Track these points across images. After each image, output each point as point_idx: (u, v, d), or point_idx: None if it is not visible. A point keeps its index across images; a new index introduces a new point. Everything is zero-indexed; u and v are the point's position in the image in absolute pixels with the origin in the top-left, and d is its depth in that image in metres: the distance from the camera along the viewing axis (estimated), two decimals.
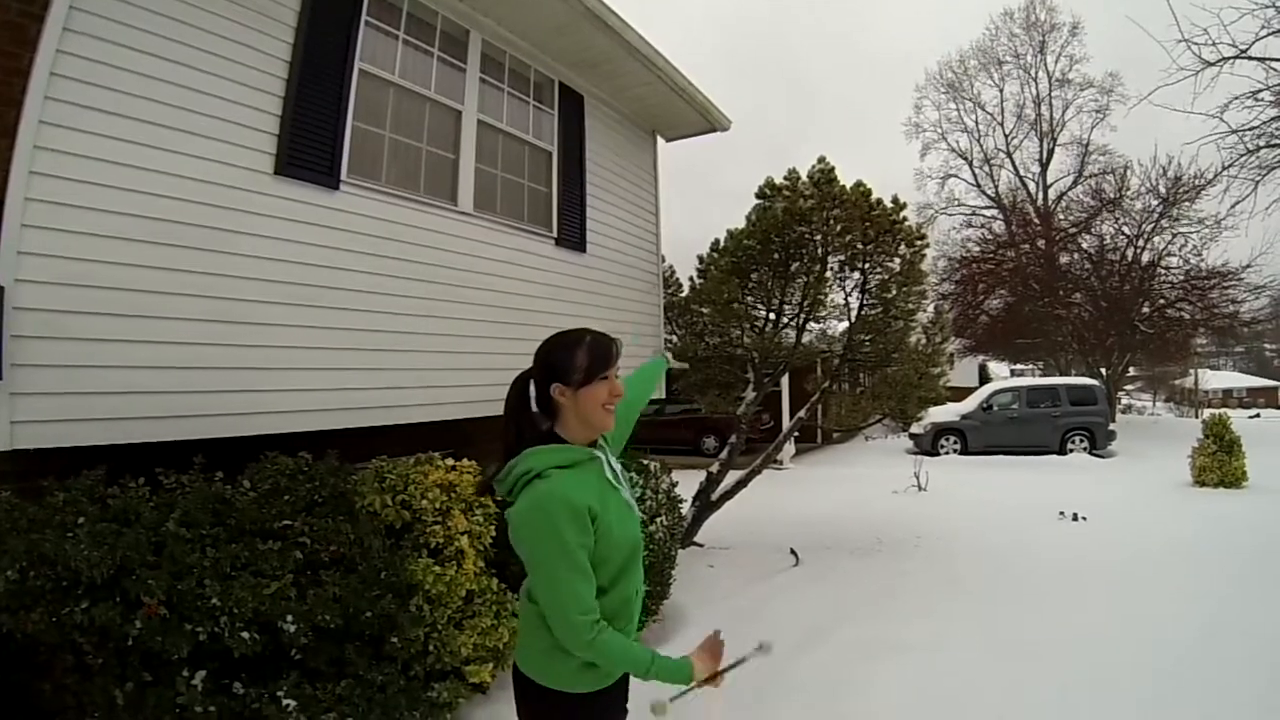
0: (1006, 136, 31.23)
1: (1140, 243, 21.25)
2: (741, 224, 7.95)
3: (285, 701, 2.84)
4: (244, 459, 3.50)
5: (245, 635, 2.78)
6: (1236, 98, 11.31)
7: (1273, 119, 11.44)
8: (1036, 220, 26.42)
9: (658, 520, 5.20)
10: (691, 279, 8.62)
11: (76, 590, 2.65)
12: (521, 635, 2.00)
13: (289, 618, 2.87)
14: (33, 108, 3.05)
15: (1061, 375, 23.42)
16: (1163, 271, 21.20)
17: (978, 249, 25.67)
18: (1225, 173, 12.53)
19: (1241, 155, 11.93)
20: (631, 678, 1.98)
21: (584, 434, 1.92)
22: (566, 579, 1.72)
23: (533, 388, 1.93)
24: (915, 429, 16.83)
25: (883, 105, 68.74)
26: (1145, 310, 21.50)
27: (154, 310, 3.45)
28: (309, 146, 4.19)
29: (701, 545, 7.82)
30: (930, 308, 11.24)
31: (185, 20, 3.61)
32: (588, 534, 1.75)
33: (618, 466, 1.99)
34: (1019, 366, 34.73)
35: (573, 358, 1.87)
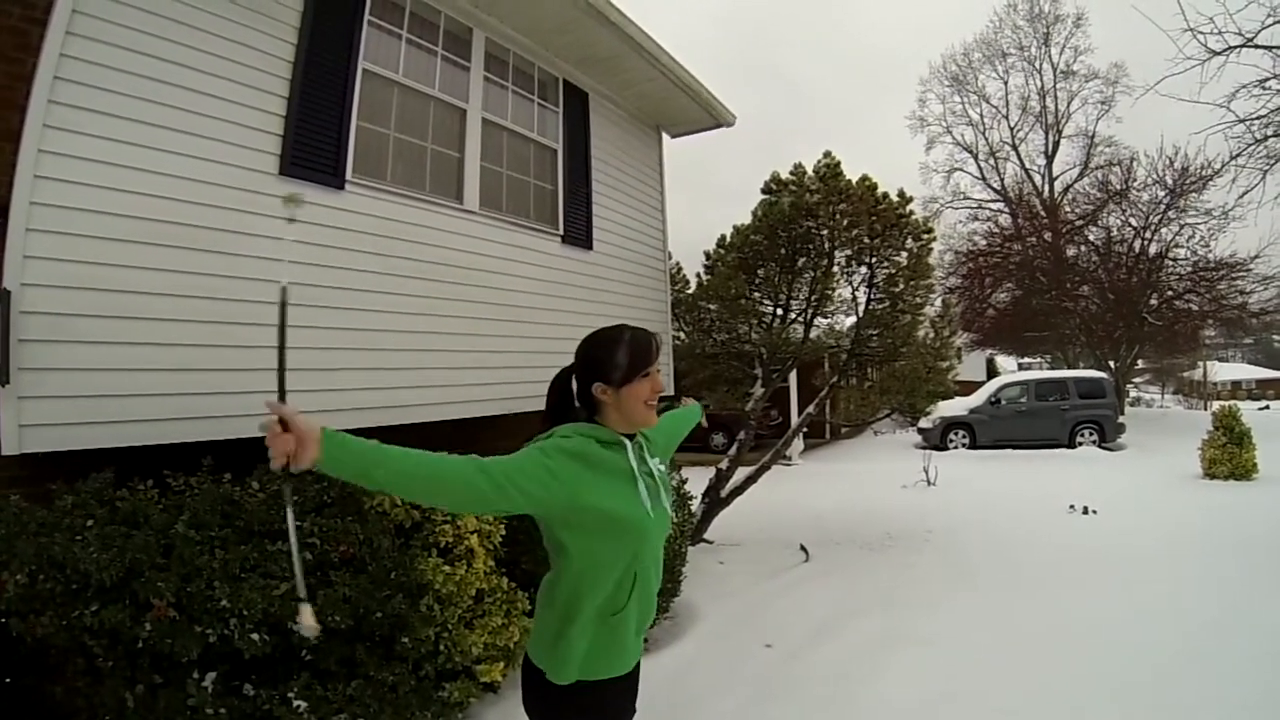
0: (1012, 129, 31.20)
1: (1147, 234, 21.11)
2: (742, 221, 7.96)
3: (296, 702, 2.84)
4: (252, 460, 3.48)
5: (255, 636, 2.78)
6: (1244, 86, 11.20)
7: None
8: (1043, 213, 26.36)
9: None
10: (698, 275, 8.62)
11: (86, 593, 2.65)
12: (534, 624, 2.00)
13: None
14: (37, 112, 3.05)
15: (1070, 368, 23.28)
16: (1170, 263, 21.05)
17: (984, 242, 25.57)
18: (1233, 162, 12.41)
19: (1249, 144, 11.81)
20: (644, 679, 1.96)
21: (625, 429, 1.93)
22: (514, 459, 1.72)
23: (574, 384, 1.95)
24: (924, 423, 16.75)
25: (874, 102, 68.53)
26: (1153, 302, 21.35)
27: (160, 312, 3.44)
28: (313, 146, 4.18)
29: (711, 542, 7.81)
30: (937, 301, 11.20)
31: (187, 22, 3.61)
32: (549, 489, 1.72)
33: (654, 465, 1.99)
34: (1027, 360, 34.68)
35: (613, 356, 1.88)
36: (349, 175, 4.38)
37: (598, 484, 1.79)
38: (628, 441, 1.92)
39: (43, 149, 3.07)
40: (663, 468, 2.03)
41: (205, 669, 2.77)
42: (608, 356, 1.88)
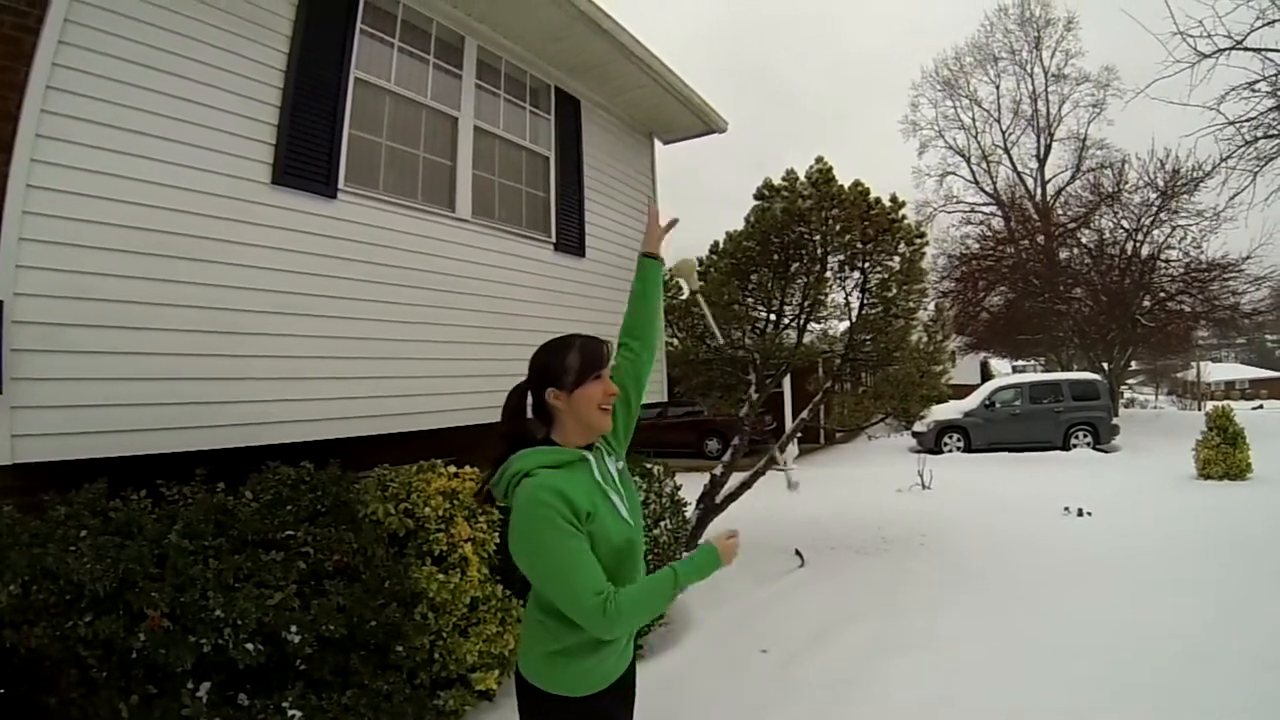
0: (1004, 133, 31.31)
1: (1139, 236, 21.23)
2: (735, 226, 7.98)
3: (291, 712, 2.83)
4: (246, 469, 3.49)
5: (249, 646, 2.77)
6: (1233, 89, 11.27)
7: (1270, 110, 11.41)
8: (1035, 216, 26.43)
9: (662, 524, 5.19)
10: None
11: (80, 603, 2.65)
12: (524, 639, 1.99)
13: (293, 628, 2.86)
14: (29, 121, 3.05)
15: (1063, 370, 23.36)
16: (1163, 265, 21.16)
17: (977, 246, 25.67)
18: (1223, 164, 12.48)
19: (1239, 147, 11.87)
20: (638, 686, 1.96)
21: (582, 437, 1.91)
22: (571, 563, 1.70)
23: (529, 397, 1.93)
24: (918, 427, 16.81)
25: (867, 107, 68.72)
26: (1146, 304, 21.45)
27: (153, 322, 3.44)
28: (306, 155, 4.19)
29: None
30: (931, 306, 11.22)
31: (180, 31, 3.61)
32: (581, 523, 1.74)
33: (614, 469, 1.97)
34: (1021, 363, 34.73)
35: (564, 360, 1.88)
36: (341, 184, 4.38)
37: (599, 514, 1.80)
38: (590, 456, 1.90)
39: (35, 158, 3.06)
40: (621, 465, 2.01)
41: (200, 679, 2.76)
42: (558, 361, 1.88)
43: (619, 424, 2.10)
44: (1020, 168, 31.14)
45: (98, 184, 3.26)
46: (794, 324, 8.08)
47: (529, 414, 1.94)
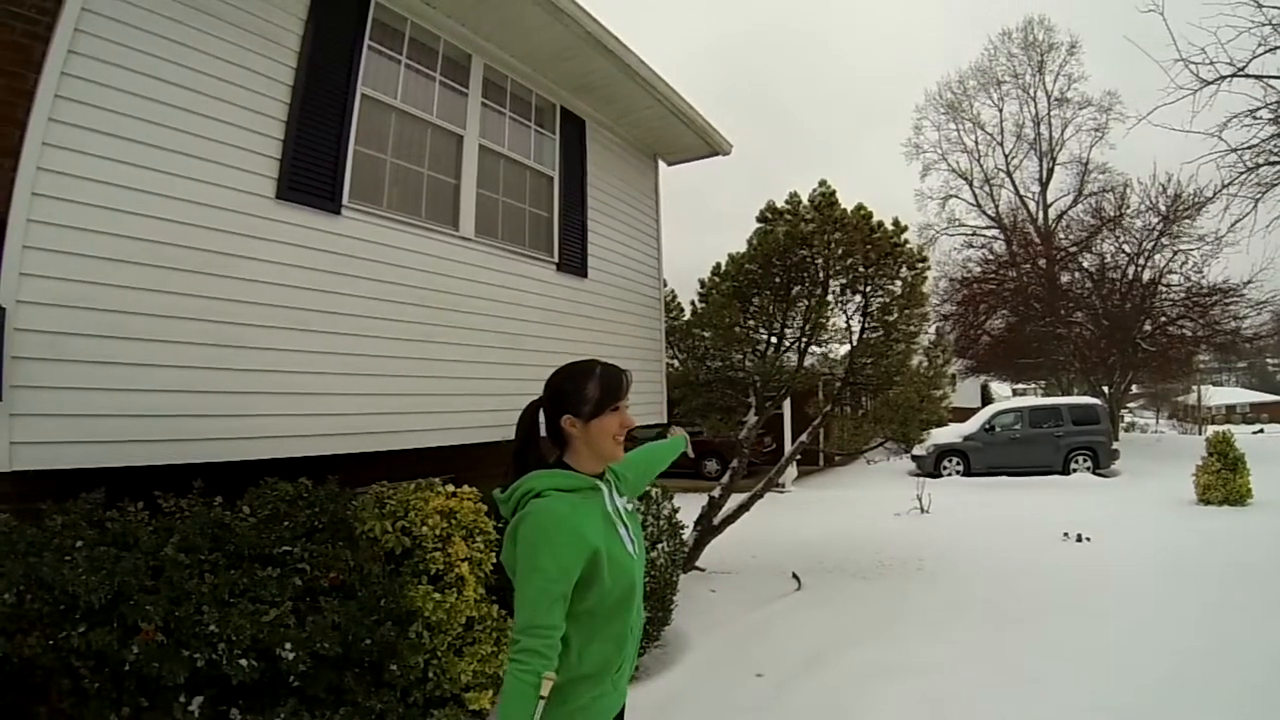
0: (1006, 156, 31.37)
1: (1141, 261, 21.34)
2: (736, 247, 8.02)
3: None
4: (243, 484, 3.49)
5: (243, 662, 2.76)
6: (1235, 116, 11.34)
7: (1271, 136, 11.46)
8: (1037, 240, 26.48)
9: (659, 546, 5.17)
10: (693, 303, 8.63)
11: (74, 614, 2.64)
12: None
13: (287, 645, 2.85)
14: (36, 129, 3.06)
15: (1064, 394, 23.38)
16: (1164, 289, 21.26)
17: (979, 269, 25.74)
18: (1225, 191, 12.56)
19: (1241, 173, 11.94)
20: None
21: (593, 465, 1.91)
22: (535, 599, 1.66)
23: (542, 416, 1.94)
24: (917, 451, 16.75)
25: (870, 130, 69.11)
26: (1147, 328, 21.50)
27: (155, 333, 3.44)
28: (311, 171, 4.20)
29: (703, 570, 7.78)
30: (932, 329, 11.26)
31: (189, 44, 3.64)
32: (577, 565, 1.71)
33: (622, 504, 1.96)
34: (1021, 386, 34.70)
35: (583, 390, 1.87)
36: (346, 200, 4.39)
37: (594, 534, 1.77)
38: (602, 485, 1.90)
39: (42, 166, 3.07)
40: (629, 506, 2.01)
41: (192, 693, 2.75)
42: (577, 390, 1.88)
43: (629, 478, 2.12)
44: (1023, 191, 31.22)
45: (103, 194, 3.27)
46: (795, 347, 8.09)
47: (543, 433, 1.94)
